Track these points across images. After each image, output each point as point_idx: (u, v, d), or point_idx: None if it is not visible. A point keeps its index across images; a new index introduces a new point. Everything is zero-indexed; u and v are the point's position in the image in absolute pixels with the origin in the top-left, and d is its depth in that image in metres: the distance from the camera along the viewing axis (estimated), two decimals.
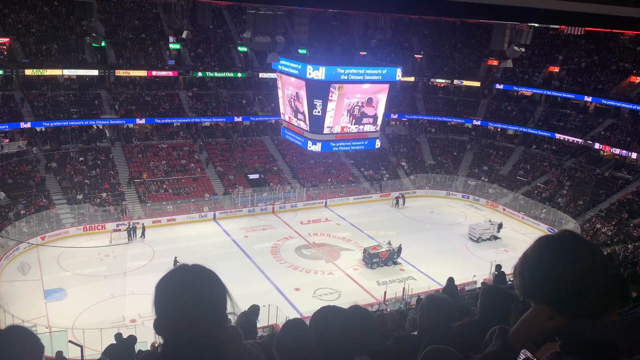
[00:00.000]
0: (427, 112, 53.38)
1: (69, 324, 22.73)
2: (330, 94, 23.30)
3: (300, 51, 43.77)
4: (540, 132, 48.61)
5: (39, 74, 40.98)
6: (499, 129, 52.22)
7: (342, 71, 23.36)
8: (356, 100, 24.16)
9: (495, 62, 52.09)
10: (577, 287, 1.51)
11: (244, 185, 41.90)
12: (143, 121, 43.32)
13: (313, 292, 28.17)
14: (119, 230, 34.21)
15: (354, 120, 24.73)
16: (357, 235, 36.68)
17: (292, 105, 25.83)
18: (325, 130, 24.52)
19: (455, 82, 54.58)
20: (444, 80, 55.33)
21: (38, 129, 40.03)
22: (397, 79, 25.35)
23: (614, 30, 47.66)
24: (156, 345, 1.82)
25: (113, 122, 42.38)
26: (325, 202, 42.72)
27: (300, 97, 24.52)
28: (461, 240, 36.16)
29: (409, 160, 50.02)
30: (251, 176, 43.20)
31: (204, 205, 38.89)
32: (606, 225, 37.85)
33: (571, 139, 46.42)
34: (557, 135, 47.30)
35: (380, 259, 31.33)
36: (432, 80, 55.43)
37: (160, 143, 43.65)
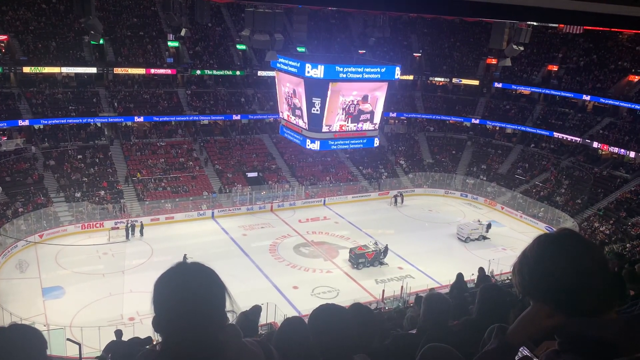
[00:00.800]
0: (426, 111, 53.38)
1: (67, 322, 22.74)
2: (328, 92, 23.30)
3: (299, 49, 43.72)
4: (538, 131, 48.65)
5: (37, 71, 40.91)
6: (497, 128, 52.28)
7: (341, 69, 23.34)
8: (352, 98, 24.13)
9: (494, 61, 52.12)
10: (576, 285, 1.51)
11: (243, 184, 41.88)
12: (141, 119, 43.27)
13: (311, 290, 28.19)
14: (117, 228, 34.19)
15: (350, 119, 24.70)
16: (356, 233, 36.68)
17: (291, 103, 25.81)
18: (324, 129, 24.51)
19: (454, 80, 54.60)
20: (442, 79, 55.33)
21: (36, 126, 39.98)
22: (396, 77, 25.34)
23: (612, 29, 47.69)
24: (155, 343, 1.82)
25: (111, 120, 42.32)
26: (324, 201, 42.72)
27: (299, 95, 24.51)
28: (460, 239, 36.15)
29: (407, 158, 50.04)
30: (250, 174, 43.18)
31: (203, 204, 38.86)
32: (604, 224, 37.92)
33: (569, 137, 46.48)
34: (556, 134, 47.35)
35: (366, 259, 30.96)
36: (430, 78, 55.43)
37: (159, 141, 43.61)
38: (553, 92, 49.85)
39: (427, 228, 38.46)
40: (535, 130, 48.92)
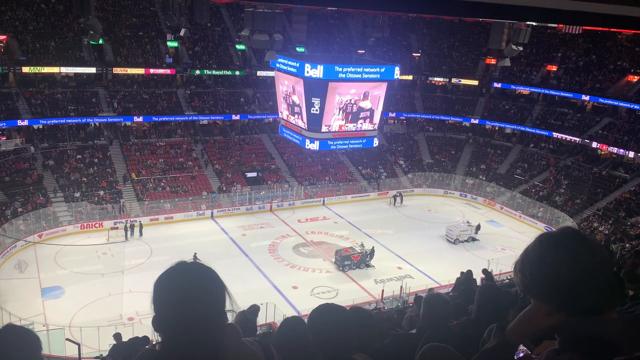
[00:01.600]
0: (425, 111, 53.39)
1: (66, 322, 22.73)
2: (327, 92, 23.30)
3: (298, 49, 43.73)
4: (537, 131, 48.67)
5: (36, 71, 40.88)
6: (496, 128, 52.31)
7: (340, 69, 23.36)
8: (349, 97, 24.12)
9: (493, 61, 52.17)
10: (578, 284, 1.51)
11: (242, 184, 41.87)
12: (141, 119, 43.25)
13: (311, 290, 28.19)
14: (117, 228, 34.18)
15: (350, 117, 24.69)
16: (355, 233, 36.68)
17: (290, 103, 25.81)
18: (323, 129, 24.52)
19: (453, 80, 54.62)
20: (442, 79, 55.34)
21: (35, 126, 39.94)
22: (395, 77, 25.36)
23: (611, 30, 47.69)
24: (154, 342, 1.83)
25: (111, 120, 42.30)
26: (323, 201, 42.73)
27: (298, 95, 24.51)
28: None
29: (406, 158, 50.06)
30: (249, 174, 43.17)
31: (202, 204, 38.85)
32: (603, 224, 37.94)
33: (569, 137, 46.49)
34: (555, 134, 47.36)
35: (352, 261, 30.62)
36: (430, 78, 55.44)
37: (158, 141, 43.59)
38: (552, 92, 49.87)
39: (426, 228, 38.46)
40: (534, 130, 48.95)
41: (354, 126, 25.27)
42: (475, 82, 53.78)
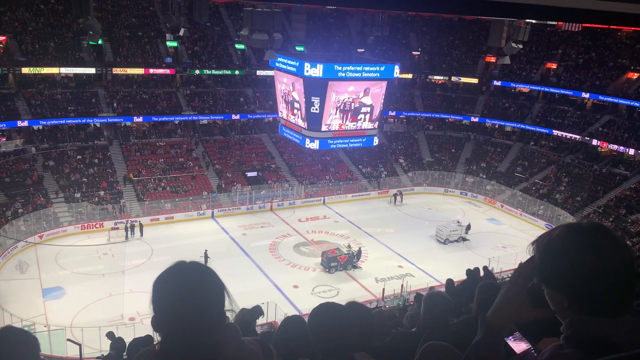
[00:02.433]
0: (425, 109, 53.37)
1: (67, 323, 22.75)
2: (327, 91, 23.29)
3: (297, 48, 43.75)
4: (537, 129, 48.67)
5: (36, 72, 40.87)
6: (496, 126, 52.31)
7: (340, 68, 23.36)
8: (347, 95, 24.11)
9: (492, 59, 52.16)
10: (600, 283, 1.47)
11: (242, 183, 41.87)
12: (140, 119, 43.24)
13: (311, 289, 28.20)
14: (117, 228, 34.19)
15: (350, 114, 24.67)
16: (355, 232, 36.70)
17: (290, 102, 25.81)
18: (323, 128, 24.53)
19: (453, 79, 54.60)
20: (441, 77, 55.32)
21: (35, 127, 39.94)
22: (395, 76, 25.36)
23: (611, 27, 47.69)
24: (155, 342, 1.83)
25: (110, 120, 42.29)
26: (324, 200, 42.73)
27: (298, 94, 24.51)
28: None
29: (406, 157, 50.05)
30: (249, 174, 43.17)
31: (202, 203, 38.86)
32: (604, 221, 37.91)
33: (569, 135, 46.47)
34: (555, 132, 47.34)
35: (338, 262, 30.20)
36: (429, 77, 55.43)
37: (158, 141, 43.58)
38: (552, 89, 49.86)
39: (427, 226, 38.43)
40: (534, 128, 48.94)
41: (354, 125, 25.26)
42: (475, 80, 53.77)
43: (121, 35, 45.37)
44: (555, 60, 51.33)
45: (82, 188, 37.31)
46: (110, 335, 13.47)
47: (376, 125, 26.36)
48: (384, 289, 26.90)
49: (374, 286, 28.48)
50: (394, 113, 52.27)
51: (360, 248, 32.00)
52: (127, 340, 12.05)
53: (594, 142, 44.54)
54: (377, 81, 24.46)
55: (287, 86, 25.36)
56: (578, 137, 45.66)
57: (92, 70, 43.27)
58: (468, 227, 36.02)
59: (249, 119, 47.68)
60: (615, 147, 43.11)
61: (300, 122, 25.12)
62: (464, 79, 54.29)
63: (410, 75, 53.86)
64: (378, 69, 24.45)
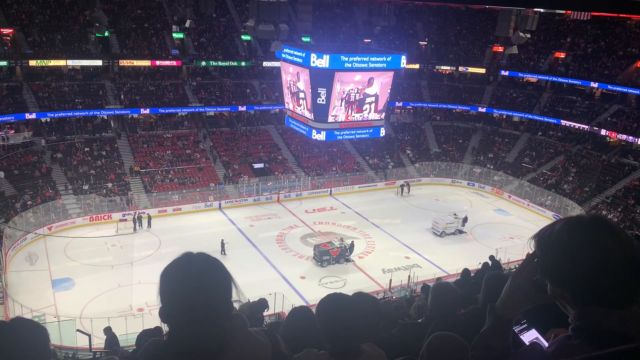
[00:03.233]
0: (432, 100, 53.12)
1: (76, 313, 22.96)
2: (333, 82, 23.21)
3: (303, 39, 43.61)
4: (546, 119, 48.36)
5: (43, 64, 41.00)
6: (504, 116, 52.02)
7: (346, 59, 23.28)
8: (353, 85, 24.01)
9: (500, 49, 51.72)
10: (604, 277, 1.46)
11: (249, 175, 41.95)
12: (147, 111, 43.34)
13: (319, 280, 28.29)
14: (125, 220, 34.37)
15: (356, 105, 24.60)
16: (362, 223, 36.72)
17: (296, 93, 25.76)
18: (330, 119, 24.49)
19: (461, 69, 54.26)
20: (449, 67, 54.98)
21: (43, 119, 40.13)
22: (402, 66, 25.24)
23: (620, 15, 47.17)
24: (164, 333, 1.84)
25: (117, 112, 42.43)
26: (330, 191, 42.74)
27: (304, 85, 24.45)
28: (466, 228, 36.05)
29: (413, 148, 49.91)
30: (256, 165, 43.23)
31: (210, 195, 38.98)
32: (612, 211, 37.73)
33: (577, 125, 46.14)
34: (563, 122, 47.01)
35: (331, 256, 29.84)
36: (437, 67, 55.12)
37: (165, 133, 43.69)
38: (560, 79, 49.47)
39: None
40: (542, 118, 48.63)
41: (360, 116, 25.20)
42: (482, 70, 53.42)
43: (127, 27, 45.38)
44: (564, 50, 50.88)
45: (90, 180, 37.52)
46: (107, 330, 13.56)
47: (383, 116, 26.29)
48: (390, 280, 26.94)
49: (381, 277, 28.51)
50: (400, 104, 52.07)
51: (352, 241, 31.54)
52: (137, 331, 12.14)
53: (603, 132, 44.22)
54: (384, 72, 24.35)
55: (293, 77, 25.30)
56: (586, 127, 45.33)
57: (98, 63, 43.35)
58: (465, 220, 35.46)
59: (255, 110, 47.66)
60: (624, 137, 42.77)
61: (307, 114, 25.08)
62: (471, 69, 53.94)
63: (417, 66, 53.57)
64: (385, 59, 24.35)
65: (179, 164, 41.34)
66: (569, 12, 50.31)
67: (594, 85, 47.22)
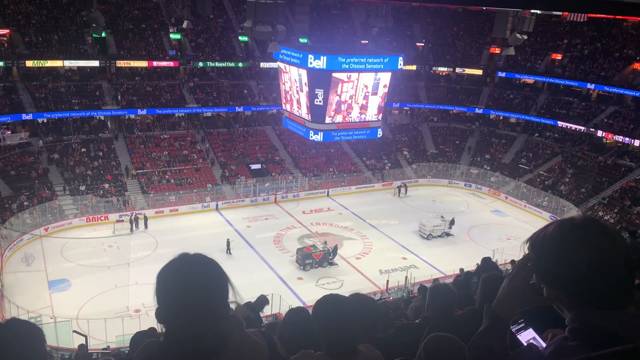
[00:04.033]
0: (429, 101, 53.18)
1: (73, 314, 22.91)
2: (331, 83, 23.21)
3: (301, 40, 43.57)
4: (542, 120, 48.47)
5: (40, 65, 40.87)
6: (501, 117, 52.11)
7: (344, 60, 23.26)
8: (350, 87, 24.00)
9: (497, 50, 51.82)
10: (599, 279, 1.46)
11: (246, 176, 41.92)
12: (144, 112, 43.27)
13: (316, 281, 28.28)
14: (122, 221, 34.31)
15: (350, 108, 24.60)
16: (359, 224, 36.72)
17: (294, 94, 25.76)
18: (327, 120, 24.48)
19: (458, 70, 54.35)
20: (446, 69, 55.07)
21: (40, 120, 40.02)
22: (399, 67, 25.22)
23: (617, 17, 47.33)
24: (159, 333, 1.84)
25: (114, 113, 42.34)
26: (328, 192, 42.74)
27: (302, 86, 24.45)
28: (463, 229, 36.12)
29: (411, 149, 49.96)
30: (253, 166, 43.20)
31: (207, 196, 38.94)
32: (609, 212, 37.84)
33: (574, 126, 46.25)
34: (560, 123, 47.11)
35: (313, 259, 29.50)
36: (434, 68, 55.18)
37: (162, 134, 43.63)
38: (557, 81, 49.60)
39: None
40: (539, 120, 48.74)
41: (357, 117, 25.20)
42: (479, 72, 53.53)
43: (125, 28, 45.30)
44: (560, 51, 51.01)
45: (87, 181, 37.44)
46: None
47: (380, 117, 26.27)
48: (388, 281, 26.94)
49: (378, 278, 28.53)
50: (398, 105, 52.11)
51: (336, 245, 31.23)
52: (134, 332, 12.10)
53: (599, 133, 44.33)
54: (381, 73, 24.36)
55: (291, 79, 25.28)
56: (583, 128, 45.44)
57: (95, 63, 43.23)
58: (452, 222, 35.14)
59: (252, 111, 47.65)
60: (620, 138, 42.89)
61: (304, 114, 25.07)
62: (468, 70, 54.03)
63: (414, 67, 53.62)
64: (382, 60, 24.34)
65: (176, 165, 41.29)
66: (566, 13, 50.47)
67: (591, 86, 47.35)
